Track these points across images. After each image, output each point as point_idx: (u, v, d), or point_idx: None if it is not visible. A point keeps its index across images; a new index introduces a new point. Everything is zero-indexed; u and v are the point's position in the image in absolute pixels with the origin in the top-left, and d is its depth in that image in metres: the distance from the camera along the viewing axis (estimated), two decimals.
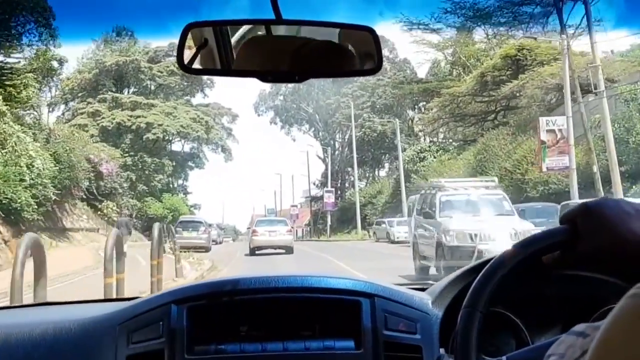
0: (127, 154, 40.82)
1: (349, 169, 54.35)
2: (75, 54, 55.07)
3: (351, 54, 1.43)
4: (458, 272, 1.53)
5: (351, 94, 49.11)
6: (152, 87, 48.06)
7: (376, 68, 1.41)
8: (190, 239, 24.05)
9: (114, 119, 42.81)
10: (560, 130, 23.29)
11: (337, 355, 1.48)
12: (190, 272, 14.71)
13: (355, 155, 44.90)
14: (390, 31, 52.94)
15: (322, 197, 56.55)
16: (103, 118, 43.00)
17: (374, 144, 47.20)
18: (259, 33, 1.47)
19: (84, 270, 15.64)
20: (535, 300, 1.37)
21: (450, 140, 38.31)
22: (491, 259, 1.07)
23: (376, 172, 50.70)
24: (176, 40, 1.40)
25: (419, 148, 38.37)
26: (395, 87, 46.62)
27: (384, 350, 1.47)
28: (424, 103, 44.21)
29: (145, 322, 1.50)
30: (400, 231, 26.81)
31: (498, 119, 36.19)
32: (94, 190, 31.32)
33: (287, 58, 1.40)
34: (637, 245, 0.85)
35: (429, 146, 37.98)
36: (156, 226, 10.58)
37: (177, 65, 1.49)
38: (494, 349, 1.35)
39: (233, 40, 1.47)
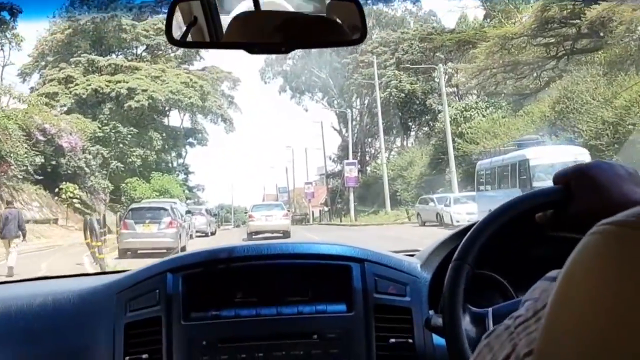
0: (104, 126, 33.51)
1: (370, 139, 46.94)
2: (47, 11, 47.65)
3: (335, 24, 1.47)
4: (446, 235, 1.57)
5: (371, 50, 41.53)
6: (139, 51, 40.75)
7: (361, 37, 1.45)
8: (145, 237, 16.35)
9: (89, 85, 35.57)
10: None
11: (329, 318, 1.54)
12: None
13: (380, 120, 37.33)
14: None
15: (340, 173, 49.36)
16: (76, 85, 35.81)
17: (401, 107, 39.58)
18: (246, 9, 1.49)
19: None
20: (522, 262, 1.35)
21: (503, 95, 30.48)
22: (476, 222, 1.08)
23: (405, 141, 43.08)
24: None
25: (464, 105, 30.63)
26: (424, 40, 39.18)
27: (374, 313, 1.53)
28: (459, 55, 36.67)
29: (142, 291, 1.54)
30: (461, 211, 19.24)
31: (559, 67, 28.71)
32: (51, 170, 24.05)
33: (273, 30, 1.43)
34: (629, 207, 0.69)
35: (476, 102, 30.18)
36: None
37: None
38: (483, 305, 1.27)
39: (222, 14, 1.52)
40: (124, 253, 16.40)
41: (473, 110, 29.69)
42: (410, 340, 1.52)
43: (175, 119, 48.05)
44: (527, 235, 1.14)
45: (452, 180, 24.67)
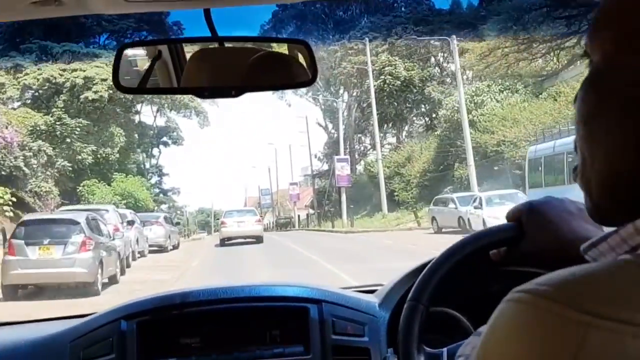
0: (45, 116, 28.74)
1: (359, 135, 42.58)
2: None
3: (287, 65, 1.48)
4: (405, 272, 1.54)
5: (360, 37, 37.21)
6: (103, 39, 36.16)
7: (311, 80, 1.47)
8: (42, 266, 10.80)
9: (40, 74, 30.96)
10: None
11: None
12: None
13: (375, 110, 32.97)
14: None
15: (327, 172, 45.08)
16: (26, 74, 31.20)
17: (396, 96, 35.25)
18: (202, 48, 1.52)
19: None
20: (481, 298, 1.30)
21: (519, 77, 26.09)
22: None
23: (399, 134, 38.72)
24: None
25: (473, 90, 26.22)
26: (419, 23, 35.00)
27: (332, 354, 1.53)
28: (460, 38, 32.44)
29: (96, 339, 1.52)
30: (498, 215, 14.03)
31: (581, 45, 24.63)
32: None
33: (225, 73, 1.44)
34: (577, 245, 0.78)
35: (488, 86, 25.74)
36: None
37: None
38: (440, 345, 1.24)
39: (180, 57, 1.51)
40: (12, 291, 11.20)
41: (485, 94, 25.37)
42: None
43: (148, 116, 43.51)
44: (486, 270, 1.13)
45: (470, 177, 20.37)
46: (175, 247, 20.52)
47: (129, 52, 1.44)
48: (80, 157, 27.93)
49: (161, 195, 47.15)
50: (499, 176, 21.64)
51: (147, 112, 42.58)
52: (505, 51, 26.91)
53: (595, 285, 0.50)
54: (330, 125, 45.65)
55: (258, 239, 22.25)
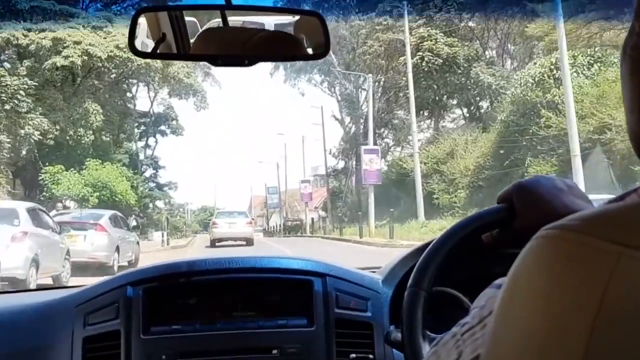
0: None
1: (383, 129, 36.40)
2: None
3: (297, 40, 1.49)
4: (407, 251, 1.61)
5: (390, 10, 31.13)
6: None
7: (324, 52, 1.48)
8: None
9: None
10: None
11: (290, 332, 1.55)
12: None
13: (412, 92, 26.81)
14: None
15: (343, 171, 39.04)
16: None
17: (436, 78, 29.08)
18: (214, 22, 1.55)
19: None
20: (484, 279, 1.29)
21: (612, 47, 19.66)
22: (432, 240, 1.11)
23: (436, 123, 32.48)
24: None
25: (552, 62, 19.76)
26: None
27: (335, 327, 1.55)
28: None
29: (102, 304, 1.53)
30: None
31: None
32: None
33: (237, 44, 1.46)
34: None
35: (574, 57, 19.27)
36: None
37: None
38: (443, 328, 1.22)
39: (189, 28, 1.53)
40: None
41: (570, 68, 19.00)
42: (371, 356, 1.55)
43: (144, 100, 37.84)
44: (485, 253, 1.15)
45: (574, 173, 14.03)
46: (131, 263, 13.28)
47: (143, 17, 1.47)
48: (24, 133, 21.69)
49: (156, 190, 41.30)
50: (600, 173, 15.42)
51: (143, 96, 36.73)
52: (589, 17, 20.71)
53: (625, 218, 0.49)
54: (347, 119, 39.56)
55: (248, 242, 22.32)
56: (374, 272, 1.71)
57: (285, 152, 46.90)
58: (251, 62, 1.43)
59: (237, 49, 1.45)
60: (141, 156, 39.70)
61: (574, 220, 0.50)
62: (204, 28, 1.55)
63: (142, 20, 1.48)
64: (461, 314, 1.25)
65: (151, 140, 40.62)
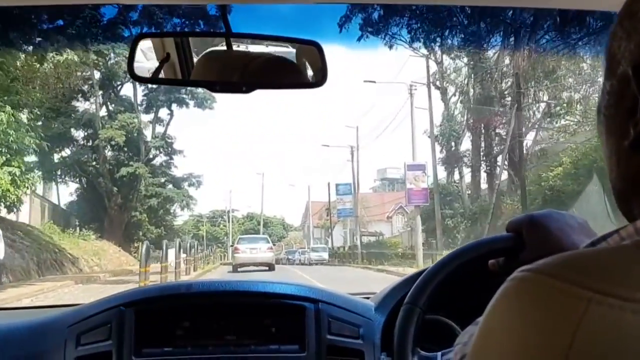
0: None
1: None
2: None
3: (295, 67, 1.53)
4: (401, 278, 1.60)
5: None
6: None
7: (321, 81, 1.49)
8: None
9: None
10: None
11: (282, 358, 1.56)
12: None
13: None
14: None
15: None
16: None
17: None
18: (216, 48, 1.56)
19: None
20: (475, 307, 1.31)
21: None
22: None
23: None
24: None
25: None
26: None
27: (327, 354, 1.55)
28: None
29: (94, 325, 1.54)
30: None
31: None
32: None
33: (236, 70, 1.48)
34: None
35: None
36: None
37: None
38: (435, 349, 1.31)
39: (186, 53, 1.57)
40: None
41: None
42: None
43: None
44: (482, 280, 1.13)
45: None
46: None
47: (143, 42, 1.50)
48: None
49: (170, 186, 30.04)
50: None
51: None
52: None
53: (596, 263, 0.51)
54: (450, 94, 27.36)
55: (270, 267, 23.20)
56: (367, 298, 1.71)
57: (357, 138, 34.21)
58: (249, 89, 1.47)
59: (236, 75, 1.47)
60: (147, 134, 28.65)
61: (548, 263, 0.51)
62: (205, 52, 1.56)
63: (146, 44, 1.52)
64: (451, 342, 1.22)
65: (163, 112, 29.57)
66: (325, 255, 32.72)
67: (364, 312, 1.58)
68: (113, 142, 26.23)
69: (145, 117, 28.43)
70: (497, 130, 26.36)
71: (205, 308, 1.58)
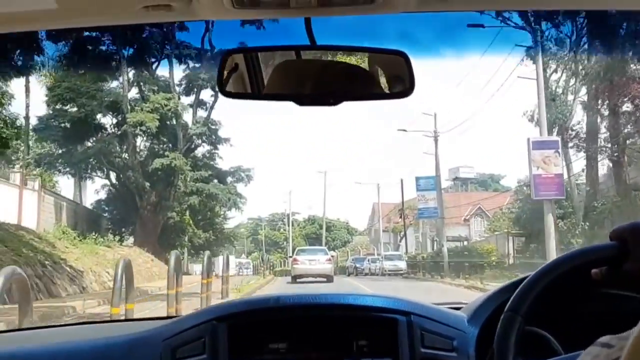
0: None
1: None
2: None
3: (372, 76, 1.51)
4: (494, 289, 1.57)
5: None
6: None
7: (408, 90, 1.46)
8: None
9: None
10: None
11: None
12: None
13: None
14: None
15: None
16: None
17: None
18: (288, 58, 1.54)
19: None
20: (569, 317, 1.38)
21: None
22: (527, 275, 1.11)
23: None
24: None
25: None
26: None
27: None
28: None
29: (189, 339, 1.56)
30: None
31: None
32: None
33: (320, 82, 1.48)
34: None
35: None
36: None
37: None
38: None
39: (264, 65, 1.55)
40: None
41: None
42: None
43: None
44: (576, 290, 1.14)
45: None
46: None
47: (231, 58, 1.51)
48: None
49: (215, 180, 25.51)
50: None
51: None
52: None
53: None
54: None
55: (328, 278, 23.38)
56: (457, 308, 1.67)
57: (435, 126, 29.14)
58: (336, 101, 1.46)
59: (318, 86, 1.46)
60: (186, 118, 24.48)
61: None
62: (280, 63, 1.54)
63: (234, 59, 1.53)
64: (547, 351, 1.26)
65: (206, 94, 25.19)
66: (402, 265, 27.87)
67: (456, 324, 1.55)
68: (144, 128, 21.72)
69: (185, 100, 23.86)
70: (627, 107, 20.50)
71: (296, 321, 1.59)
